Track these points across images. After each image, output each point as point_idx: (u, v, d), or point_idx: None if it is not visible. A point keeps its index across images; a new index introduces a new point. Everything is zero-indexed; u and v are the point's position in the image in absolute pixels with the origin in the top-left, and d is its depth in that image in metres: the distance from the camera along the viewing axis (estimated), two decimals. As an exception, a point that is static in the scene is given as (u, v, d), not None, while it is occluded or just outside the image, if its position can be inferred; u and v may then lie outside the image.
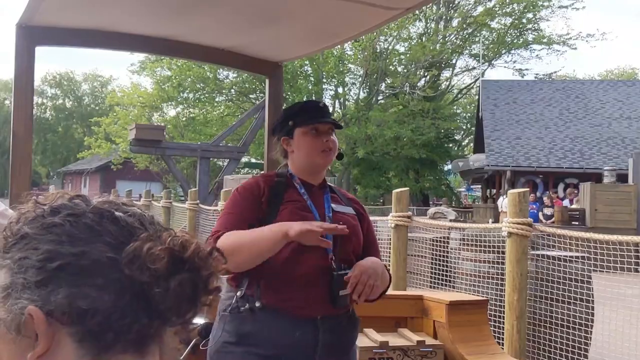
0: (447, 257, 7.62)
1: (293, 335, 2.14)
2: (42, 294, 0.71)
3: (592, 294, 5.66)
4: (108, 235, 0.74)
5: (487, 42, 34.55)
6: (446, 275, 7.35)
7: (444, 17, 34.15)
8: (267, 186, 2.31)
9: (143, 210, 0.80)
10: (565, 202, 19.81)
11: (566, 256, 5.77)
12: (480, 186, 33.68)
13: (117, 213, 0.76)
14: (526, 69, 37.20)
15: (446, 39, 34.07)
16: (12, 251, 0.74)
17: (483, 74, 33.54)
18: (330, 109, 35.25)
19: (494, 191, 27.44)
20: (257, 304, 2.15)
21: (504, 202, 19.44)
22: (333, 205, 2.35)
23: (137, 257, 0.72)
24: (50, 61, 74.63)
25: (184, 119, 33.96)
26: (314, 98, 32.57)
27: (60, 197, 0.78)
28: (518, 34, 35.13)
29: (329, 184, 2.47)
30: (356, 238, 2.32)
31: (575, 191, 20.03)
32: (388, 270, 2.39)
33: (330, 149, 2.33)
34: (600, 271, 5.97)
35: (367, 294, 2.15)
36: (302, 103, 2.50)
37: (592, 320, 5.62)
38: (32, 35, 2.86)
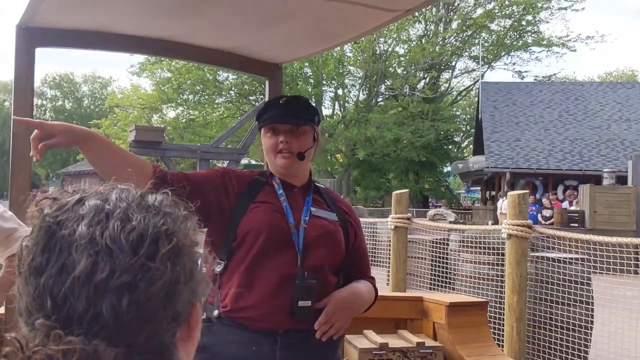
0: (446, 258, 7.62)
1: (249, 350, 1.98)
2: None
3: (592, 296, 5.66)
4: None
5: (486, 44, 34.59)
6: (446, 277, 7.35)
7: (443, 19, 34.19)
8: (242, 181, 2.18)
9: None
10: (565, 204, 19.81)
11: (566, 258, 5.77)
12: (479, 188, 33.69)
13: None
14: (526, 71, 37.33)
15: (446, 41, 34.11)
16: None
17: (482, 76, 33.56)
18: (330, 111, 35.34)
19: (494, 193, 27.44)
20: (215, 313, 2.02)
21: (503, 204, 19.43)
22: (312, 209, 2.16)
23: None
24: (50, 62, 74.72)
25: (183, 120, 33.99)
26: (313, 100, 32.61)
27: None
28: (517, 36, 35.17)
29: (320, 185, 2.31)
30: (332, 246, 2.12)
31: (575, 193, 20.02)
32: (374, 285, 2.28)
33: (288, 150, 2.14)
34: (600, 273, 5.97)
35: (330, 334, 2.03)
36: (268, 101, 2.35)
37: (592, 322, 5.62)
38: (32, 37, 2.86)
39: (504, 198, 19.90)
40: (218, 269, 2.06)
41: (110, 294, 0.65)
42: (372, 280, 2.29)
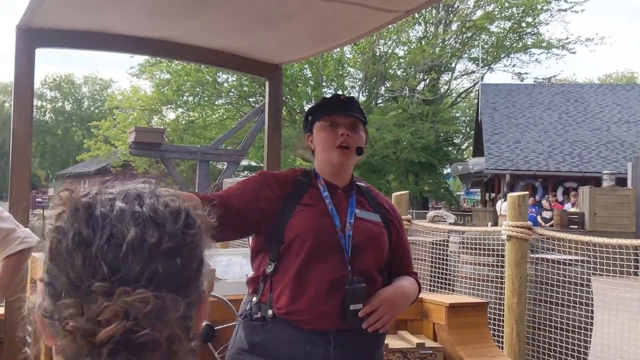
0: (446, 260, 7.62)
1: (303, 349, 2.01)
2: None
3: (592, 298, 5.66)
4: None
5: (486, 46, 34.59)
6: (446, 278, 7.35)
7: (443, 20, 34.19)
8: (285, 182, 2.16)
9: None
10: (567, 206, 19.80)
11: (566, 259, 5.77)
12: (479, 190, 33.68)
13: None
14: (525, 73, 37.32)
15: (445, 43, 34.11)
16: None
17: (482, 77, 33.57)
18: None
19: (493, 195, 27.44)
20: (270, 313, 2.04)
21: (502, 206, 19.44)
22: (357, 211, 2.15)
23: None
24: (50, 63, 74.76)
25: (183, 122, 33.96)
26: (313, 101, 32.61)
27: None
28: (517, 38, 35.17)
29: (361, 184, 2.29)
30: (378, 248, 2.14)
31: (576, 194, 20.05)
32: (417, 279, 2.30)
33: (347, 144, 2.12)
34: (599, 274, 5.97)
35: (376, 328, 2.05)
36: (324, 97, 2.33)
37: (592, 324, 5.62)
38: (32, 37, 2.87)
39: (503, 200, 19.91)
40: (269, 269, 2.08)
41: (162, 256, 0.74)
42: (414, 275, 2.31)
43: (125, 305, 0.69)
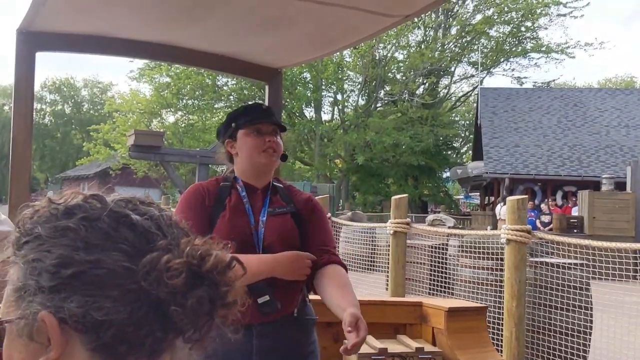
0: (445, 264, 7.62)
1: (228, 341, 2.08)
2: (55, 301, 0.68)
3: (591, 301, 5.66)
4: (124, 243, 0.71)
5: (485, 50, 34.64)
6: (445, 282, 7.35)
7: (442, 25, 34.25)
8: (211, 192, 2.31)
9: (161, 210, 0.78)
10: (574, 210, 19.75)
11: (565, 263, 5.77)
12: (478, 193, 33.69)
13: (133, 216, 0.73)
14: (525, 77, 37.40)
15: (445, 47, 34.16)
16: (24, 249, 0.71)
17: (482, 81, 33.61)
18: (329, 116, 35.40)
19: (492, 199, 27.45)
20: None
21: (502, 210, 19.45)
22: (269, 209, 2.30)
23: (154, 270, 0.69)
24: (50, 67, 74.78)
25: (183, 125, 33.99)
26: (312, 105, 32.67)
27: (75, 196, 0.75)
28: (517, 42, 35.23)
29: (278, 184, 2.42)
30: (287, 242, 2.25)
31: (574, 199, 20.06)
32: (340, 261, 2.32)
33: (273, 149, 2.30)
34: (599, 278, 5.97)
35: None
36: (245, 105, 2.49)
37: (591, 328, 5.62)
38: (32, 41, 2.87)
39: (502, 204, 19.92)
40: None
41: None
42: (334, 256, 2.33)
43: (200, 247, 0.74)
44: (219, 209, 2.26)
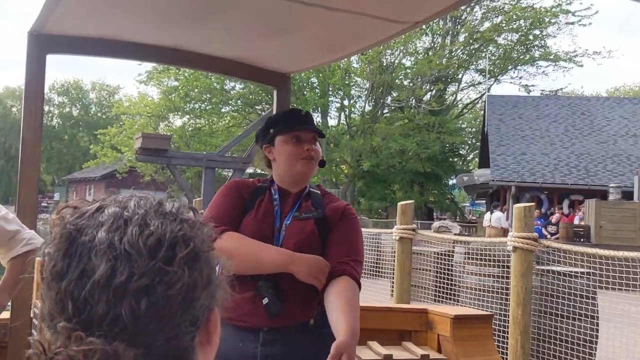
0: (451, 270, 7.60)
1: (236, 345, 2.11)
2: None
3: (597, 310, 5.64)
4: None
5: (493, 58, 34.63)
6: (450, 289, 7.33)
7: (450, 32, 34.27)
8: (247, 189, 2.33)
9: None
10: (576, 219, 19.70)
11: (571, 272, 5.75)
12: (484, 201, 33.61)
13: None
14: (532, 85, 37.31)
15: (452, 54, 34.17)
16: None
17: (489, 89, 33.58)
18: (336, 121, 35.42)
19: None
20: None
21: (492, 217, 19.41)
22: (296, 214, 2.27)
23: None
24: (58, 69, 75.09)
25: (190, 129, 34.07)
26: (318, 110, 32.67)
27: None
28: (524, 50, 35.20)
29: (316, 190, 2.37)
30: (307, 246, 2.18)
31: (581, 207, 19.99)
32: (354, 275, 2.17)
33: (311, 157, 2.28)
34: (605, 288, 5.94)
35: None
36: (284, 111, 2.48)
37: (597, 337, 5.60)
38: (43, 43, 2.88)
39: (494, 211, 19.90)
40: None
41: (129, 297, 0.67)
42: (352, 268, 2.18)
43: (73, 354, 0.65)
44: (249, 207, 2.27)
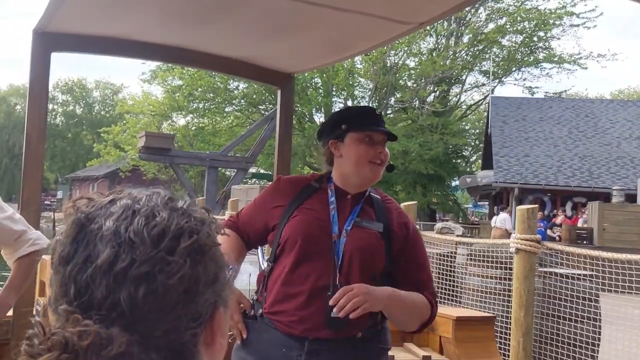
0: (453, 272, 7.59)
1: (279, 351, 2.03)
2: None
3: (600, 313, 5.63)
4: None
5: (497, 59, 34.58)
6: (452, 291, 7.32)
7: (454, 33, 34.23)
8: (294, 185, 2.21)
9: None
10: (580, 221, 19.68)
11: (574, 274, 5.74)
12: (487, 203, 33.58)
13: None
14: (536, 87, 37.02)
15: (456, 55, 34.13)
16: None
17: (493, 90, 33.54)
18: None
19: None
20: (259, 312, 2.09)
21: (498, 219, 19.43)
22: (357, 219, 2.12)
23: None
24: (61, 68, 75.27)
25: (193, 128, 34.10)
26: (322, 110, 32.65)
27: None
28: (529, 51, 35.12)
29: (375, 195, 2.23)
30: (370, 258, 2.07)
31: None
32: (430, 299, 2.14)
33: (382, 161, 2.15)
34: (608, 290, 5.93)
35: (347, 311, 1.92)
36: (357, 107, 2.33)
37: (599, 340, 5.58)
38: (48, 42, 2.89)
39: (500, 212, 19.92)
40: (267, 269, 2.15)
41: (128, 283, 0.69)
42: (429, 294, 2.16)
43: (68, 335, 0.66)
44: (295, 206, 2.13)
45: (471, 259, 6.79)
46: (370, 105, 33.60)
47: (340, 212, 2.13)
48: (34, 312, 2.91)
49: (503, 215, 19.78)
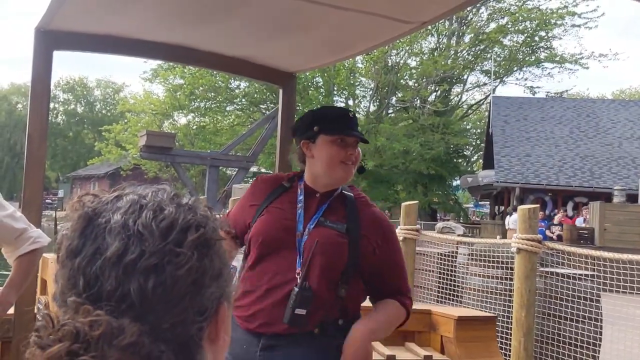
0: (454, 272, 7.59)
1: (241, 348, 2.04)
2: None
3: (601, 313, 5.62)
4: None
5: (498, 59, 34.56)
6: (453, 291, 7.32)
7: (456, 32, 34.22)
8: (268, 185, 2.25)
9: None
10: (579, 220, 19.66)
11: (575, 274, 5.74)
12: (488, 202, 33.57)
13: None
14: (537, 87, 37.01)
15: (458, 55, 34.12)
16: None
17: (494, 90, 33.53)
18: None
19: (502, 208, 27.36)
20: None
21: (511, 219, 19.39)
22: (321, 219, 2.11)
23: None
24: (62, 66, 75.28)
25: (194, 127, 34.11)
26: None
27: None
28: (530, 51, 35.11)
29: (349, 194, 2.21)
30: (331, 258, 2.05)
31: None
32: (404, 301, 2.16)
33: (353, 162, 2.15)
34: (609, 290, 5.93)
35: None
36: (331, 108, 2.33)
37: (600, 340, 5.58)
38: (50, 40, 2.89)
39: (512, 213, 19.87)
40: (241, 266, 2.19)
41: (138, 275, 0.70)
42: (403, 297, 2.17)
43: (79, 325, 0.66)
44: (266, 205, 2.17)
45: (472, 259, 6.78)
46: (371, 103, 33.67)
47: (307, 211, 2.14)
48: (35, 310, 2.91)
49: (515, 216, 19.71)
